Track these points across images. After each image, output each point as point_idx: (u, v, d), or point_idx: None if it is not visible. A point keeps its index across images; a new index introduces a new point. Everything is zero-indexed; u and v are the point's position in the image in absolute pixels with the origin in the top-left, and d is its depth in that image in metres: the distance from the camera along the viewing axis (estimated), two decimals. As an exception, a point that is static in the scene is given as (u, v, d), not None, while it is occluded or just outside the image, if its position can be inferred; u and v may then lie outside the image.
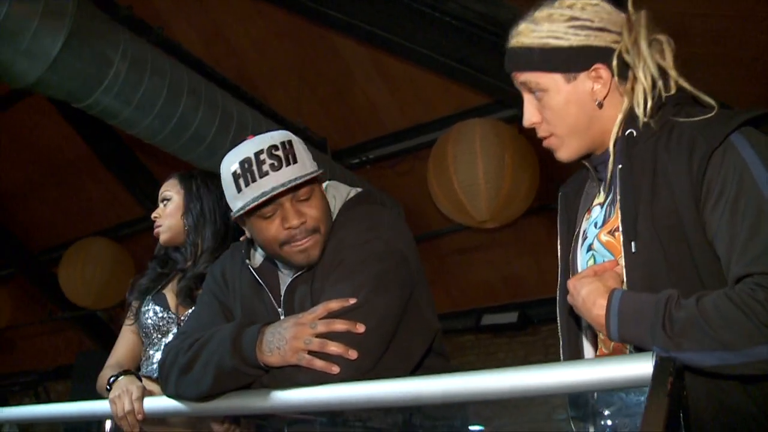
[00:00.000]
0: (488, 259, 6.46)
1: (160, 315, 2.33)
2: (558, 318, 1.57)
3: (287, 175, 1.64)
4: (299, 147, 1.69)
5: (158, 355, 2.23)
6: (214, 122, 4.13)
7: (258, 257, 1.86)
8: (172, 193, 2.41)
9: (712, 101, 1.33)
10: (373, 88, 5.37)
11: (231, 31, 5.19)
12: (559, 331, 1.57)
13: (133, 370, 2.23)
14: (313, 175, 1.67)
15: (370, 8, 4.22)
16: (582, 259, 1.48)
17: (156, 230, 2.40)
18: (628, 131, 1.37)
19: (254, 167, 1.62)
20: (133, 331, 2.43)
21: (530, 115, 1.45)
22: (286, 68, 5.36)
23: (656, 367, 1.09)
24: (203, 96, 4.06)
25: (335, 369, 1.48)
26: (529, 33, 1.40)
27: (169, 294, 2.38)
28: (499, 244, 6.23)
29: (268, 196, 1.61)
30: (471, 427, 1.92)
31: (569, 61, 1.38)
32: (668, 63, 1.37)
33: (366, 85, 5.37)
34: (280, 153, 1.64)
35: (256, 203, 1.62)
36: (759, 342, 1.11)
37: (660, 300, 1.19)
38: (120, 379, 2.04)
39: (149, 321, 2.34)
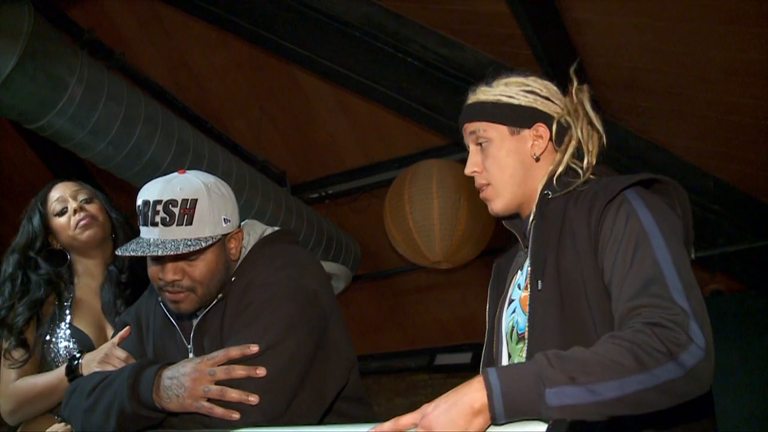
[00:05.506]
0: (443, 298, 6.46)
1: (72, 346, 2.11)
2: None
3: (174, 234, 1.59)
4: (203, 207, 1.62)
5: None
6: (170, 151, 4.10)
7: None
8: (90, 194, 2.23)
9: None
10: (333, 124, 5.39)
11: (194, 59, 5.18)
12: None
13: None
14: (194, 248, 1.59)
15: (332, 45, 4.24)
16: (506, 320, 1.56)
17: (86, 222, 2.16)
18: (545, 192, 1.53)
19: (149, 213, 1.61)
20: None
21: (473, 164, 1.60)
22: (247, 99, 5.35)
23: (549, 429, 1.08)
24: (160, 124, 4.03)
25: (235, 416, 1.47)
26: (485, 92, 1.60)
27: (83, 323, 2.14)
28: (454, 284, 6.24)
29: (138, 254, 1.58)
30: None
31: (516, 116, 1.56)
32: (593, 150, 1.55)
33: (327, 120, 5.39)
34: (176, 210, 1.59)
35: (132, 255, 1.60)
36: (664, 361, 1.13)
37: (540, 354, 1.20)
38: None
39: (62, 352, 2.12)
